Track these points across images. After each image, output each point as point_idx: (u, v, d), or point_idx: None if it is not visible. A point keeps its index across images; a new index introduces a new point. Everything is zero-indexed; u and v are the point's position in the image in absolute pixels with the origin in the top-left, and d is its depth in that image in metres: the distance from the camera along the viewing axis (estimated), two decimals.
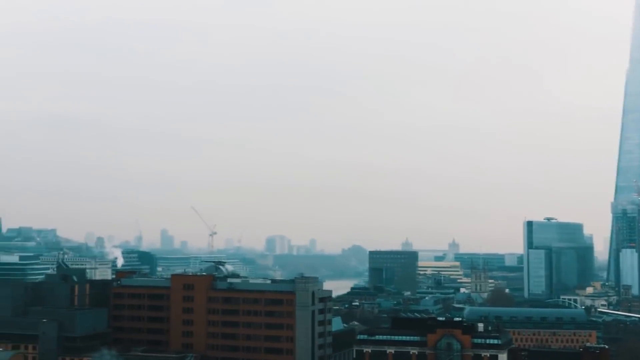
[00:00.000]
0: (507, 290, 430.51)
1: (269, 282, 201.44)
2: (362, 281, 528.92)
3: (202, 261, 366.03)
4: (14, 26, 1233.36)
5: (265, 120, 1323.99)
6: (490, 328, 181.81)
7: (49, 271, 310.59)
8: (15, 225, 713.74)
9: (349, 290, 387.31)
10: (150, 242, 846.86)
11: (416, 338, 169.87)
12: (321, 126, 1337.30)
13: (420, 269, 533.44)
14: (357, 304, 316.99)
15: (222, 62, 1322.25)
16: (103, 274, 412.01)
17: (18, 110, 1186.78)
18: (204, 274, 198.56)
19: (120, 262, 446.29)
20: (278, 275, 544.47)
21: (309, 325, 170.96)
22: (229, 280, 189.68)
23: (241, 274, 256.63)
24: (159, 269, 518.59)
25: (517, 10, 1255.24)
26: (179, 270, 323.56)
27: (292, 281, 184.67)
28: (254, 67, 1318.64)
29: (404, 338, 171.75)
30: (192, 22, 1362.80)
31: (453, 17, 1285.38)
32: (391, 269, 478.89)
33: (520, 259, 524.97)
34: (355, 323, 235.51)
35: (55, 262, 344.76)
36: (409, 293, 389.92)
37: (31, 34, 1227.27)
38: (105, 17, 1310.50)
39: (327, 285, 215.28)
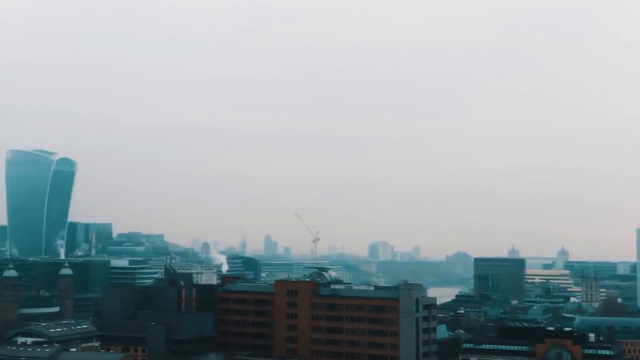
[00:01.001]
0: (619, 300, 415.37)
1: (372, 288, 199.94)
2: (467, 289, 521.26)
3: (306, 267, 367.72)
4: (132, 35, 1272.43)
5: (371, 124, 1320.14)
6: (601, 339, 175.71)
7: (157, 275, 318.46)
8: (125, 231, 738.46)
9: (453, 297, 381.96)
10: (254, 248, 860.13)
11: (524, 348, 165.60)
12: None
13: (527, 276, 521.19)
14: (463, 312, 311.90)
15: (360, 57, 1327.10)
16: (209, 279, 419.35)
17: (131, 115, 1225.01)
18: (308, 280, 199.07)
19: (225, 268, 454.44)
20: (381, 281, 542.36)
21: (413, 333, 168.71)
22: (332, 286, 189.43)
23: (344, 280, 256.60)
24: (263, 274, 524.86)
25: None
26: (282, 276, 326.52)
27: (395, 288, 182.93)
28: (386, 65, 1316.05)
29: (511, 348, 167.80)
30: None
31: None
32: (497, 276, 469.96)
33: (633, 267, 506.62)
34: (461, 331, 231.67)
35: (163, 267, 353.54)
36: (516, 302, 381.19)
37: (148, 43, 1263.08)
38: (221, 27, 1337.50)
39: (431, 292, 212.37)
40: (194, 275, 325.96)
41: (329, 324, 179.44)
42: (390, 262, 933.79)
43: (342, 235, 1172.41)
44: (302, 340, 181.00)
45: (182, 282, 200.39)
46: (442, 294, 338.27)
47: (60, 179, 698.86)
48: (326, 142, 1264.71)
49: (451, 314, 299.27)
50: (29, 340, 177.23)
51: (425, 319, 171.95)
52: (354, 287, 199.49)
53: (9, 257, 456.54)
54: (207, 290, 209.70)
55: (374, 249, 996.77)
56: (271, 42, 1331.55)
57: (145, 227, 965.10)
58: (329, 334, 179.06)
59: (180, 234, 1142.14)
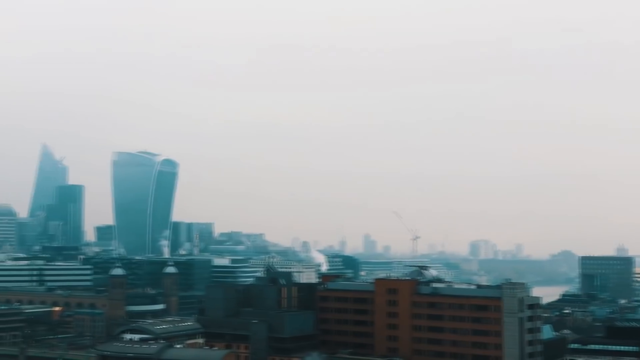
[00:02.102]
0: None
1: (474, 287, 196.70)
2: (572, 288, 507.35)
3: (406, 265, 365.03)
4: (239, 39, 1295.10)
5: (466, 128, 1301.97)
6: None
7: (258, 274, 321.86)
8: (226, 230, 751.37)
9: (559, 297, 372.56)
10: (354, 246, 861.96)
11: (634, 348, 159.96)
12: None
13: (636, 275, 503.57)
14: (568, 311, 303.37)
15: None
16: (308, 277, 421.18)
17: (232, 116, 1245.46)
18: (408, 278, 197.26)
19: (324, 266, 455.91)
20: (483, 280, 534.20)
21: (517, 333, 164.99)
22: (433, 285, 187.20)
23: (445, 279, 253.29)
24: (362, 273, 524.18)
25: None
26: (382, 274, 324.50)
27: (498, 287, 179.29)
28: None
29: (620, 348, 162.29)
30: None
31: None
32: (605, 275, 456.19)
33: None
34: (567, 331, 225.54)
35: (263, 266, 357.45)
36: (624, 301, 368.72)
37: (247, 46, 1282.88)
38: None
39: (535, 291, 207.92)
40: (294, 273, 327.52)
41: (431, 323, 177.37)
42: (492, 260, 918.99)
43: (442, 233, 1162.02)
44: (403, 339, 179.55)
45: (282, 281, 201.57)
46: (547, 294, 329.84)
47: (164, 179, 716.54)
48: (422, 139, 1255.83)
49: (556, 313, 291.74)
50: (136, 336, 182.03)
51: (530, 318, 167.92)
52: (455, 286, 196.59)
53: (116, 256, 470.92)
54: (307, 288, 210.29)
55: (474, 247, 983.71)
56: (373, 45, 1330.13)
57: (245, 226, 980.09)
58: (431, 333, 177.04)
59: (280, 233, 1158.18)
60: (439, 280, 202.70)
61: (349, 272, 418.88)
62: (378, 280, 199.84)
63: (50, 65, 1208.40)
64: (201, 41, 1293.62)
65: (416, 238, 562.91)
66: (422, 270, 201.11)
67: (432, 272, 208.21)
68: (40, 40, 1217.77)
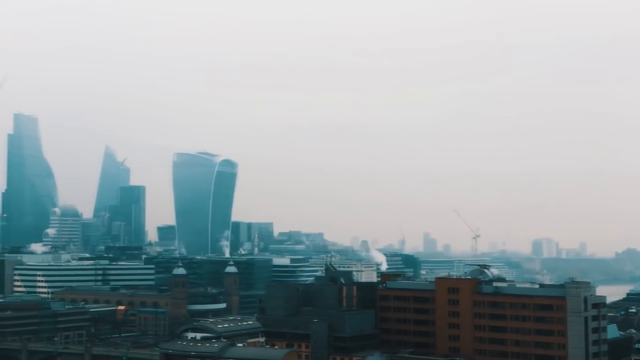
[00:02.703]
0: None
1: (537, 286, 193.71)
2: (638, 287, 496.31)
3: (466, 264, 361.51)
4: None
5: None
6: None
7: (317, 273, 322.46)
8: (286, 230, 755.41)
9: (624, 296, 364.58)
10: (413, 245, 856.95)
11: None
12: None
13: None
14: (634, 310, 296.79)
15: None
16: (368, 276, 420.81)
17: (290, 117, 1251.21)
18: (469, 277, 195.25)
19: (384, 266, 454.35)
20: (546, 279, 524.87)
21: (582, 333, 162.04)
22: (495, 284, 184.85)
23: (507, 278, 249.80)
24: (423, 272, 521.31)
25: None
26: (442, 273, 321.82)
27: (562, 286, 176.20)
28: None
29: None
30: None
31: None
32: None
33: None
34: (633, 331, 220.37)
35: (323, 265, 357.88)
36: None
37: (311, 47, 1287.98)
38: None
39: (600, 290, 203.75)
40: (354, 273, 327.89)
41: (493, 322, 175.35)
42: (555, 259, 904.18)
43: (503, 231, 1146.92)
44: (465, 338, 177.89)
45: (342, 280, 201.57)
46: (612, 293, 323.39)
47: (223, 179, 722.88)
48: (482, 137, 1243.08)
49: (622, 313, 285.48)
50: (198, 335, 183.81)
51: (595, 318, 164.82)
52: (518, 285, 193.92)
53: (177, 255, 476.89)
54: (367, 287, 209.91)
55: (537, 245, 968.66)
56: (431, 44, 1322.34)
57: (305, 225, 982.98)
58: (493, 332, 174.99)
59: (340, 232, 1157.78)
60: (501, 280, 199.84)
61: (409, 271, 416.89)
62: (439, 279, 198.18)
63: (109, 68, 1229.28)
64: (245, 44, 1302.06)
65: (477, 236, 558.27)
66: (484, 269, 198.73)
67: (494, 271, 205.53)
68: (94, 41, 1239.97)
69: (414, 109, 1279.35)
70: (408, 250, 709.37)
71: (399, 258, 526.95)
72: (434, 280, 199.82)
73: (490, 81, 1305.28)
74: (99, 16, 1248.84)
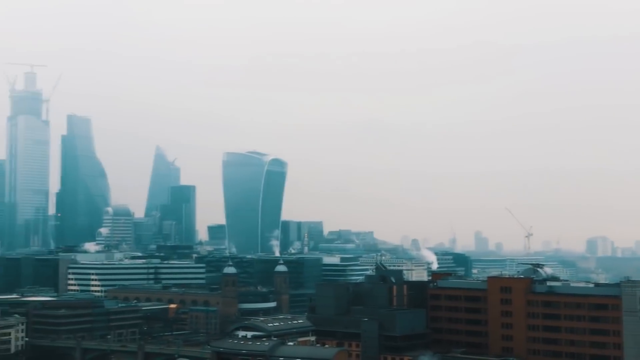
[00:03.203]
0: None
1: (591, 285, 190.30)
2: None
3: (519, 263, 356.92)
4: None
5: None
6: None
7: (368, 272, 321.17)
8: (335, 228, 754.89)
9: None
10: (464, 244, 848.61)
11: None
12: None
13: None
14: None
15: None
16: (419, 275, 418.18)
17: (337, 115, 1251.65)
18: (522, 276, 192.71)
19: (435, 264, 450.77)
20: (601, 278, 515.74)
21: (637, 332, 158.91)
22: (548, 283, 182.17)
23: (561, 277, 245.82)
24: (474, 271, 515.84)
25: None
26: (494, 272, 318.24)
27: (617, 285, 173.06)
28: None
29: None
30: None
31: None
32: None
33: None
34: None
35: (373, 264, 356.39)
36: None
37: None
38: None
39: None
40: (404, 271, 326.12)
41: (546, 322, 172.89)
42: (610, 258, 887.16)
43: (556, 230, 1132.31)
44: (518, 338, 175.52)
45: (393, 279, 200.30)
46: None
47: (273, 179, 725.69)
48: (531, 134, 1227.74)
49: None
50: (249, 334, 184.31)
51: None
52: (572, 285, 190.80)
53: (228, 254, 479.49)
54: (418, 286, 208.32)
55: (591, 244, 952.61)
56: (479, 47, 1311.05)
57: (354, 224, 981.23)
58: (547, 332, 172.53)
59: (389, 231, 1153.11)
60: (555, 279, 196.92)
61: (460, 270, 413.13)
62: (491, 278, 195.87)
63: (155, 73, 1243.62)
64: (295, 45, 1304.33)
65: (529, 235, 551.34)
66: (537, 269, 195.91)
67: (547, 270, 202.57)
68: (134, 46, 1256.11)
69: (447, 109, 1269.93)
70: (459, 249, 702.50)
71: (450, 257, 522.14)
72: (486, 279, 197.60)
73: (533, 74, 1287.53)
74: (140, 24, 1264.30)
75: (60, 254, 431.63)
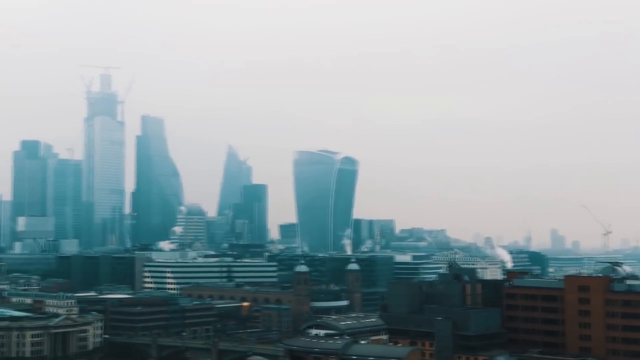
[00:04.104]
0: None
1: None
2: None
3: (597, 262, 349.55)
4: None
5: None
6: None
7: (440, 270, 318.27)
8: (407, 227, 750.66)
9: None
10: (540, 242, 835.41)
11: None
12: None
13: None
14: None
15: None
16: (493, 274, 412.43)
17: (406, 113, 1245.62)
18: (600, 275, 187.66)
19: (510, 263, 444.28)
20: None
21: None
22: (628, 282, 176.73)
23: None
24: (550, 269, 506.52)
25: None
26: (571, 271, 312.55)
27: None
28: None
29: None
30: None
31: None
32: None
33: None
34: None
35: (446, 262, 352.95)
36: None
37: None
38: None
39: None
40: (478, 270, 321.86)
41: (626, 322, 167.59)
42: None
43: (635, 227, 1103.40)
44: (597, 338, 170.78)
45: (466, 277, 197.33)
46: None
47: (344, 177, 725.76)
48: (593, 130, 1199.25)
49: None
50: (322, 332, 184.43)
51: None
52: None
53: (300, 253, 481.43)
54: (492, 285, 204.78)
55: None
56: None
57: (426, 222, 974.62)
58: (627, 332, 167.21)
59: (462, 229, 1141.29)
60: (634, 277, 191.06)
61: (535, 269, 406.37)
62: (568, 277, 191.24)
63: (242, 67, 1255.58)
64: (363, 46, 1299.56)
65: (608, 233, 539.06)
66: (615, 267, 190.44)
67: (626, 269, 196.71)
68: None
69: (522, 104, 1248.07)
70: (534, 247, 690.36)
71: (525, 255, 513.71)
72: (562, 278, 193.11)
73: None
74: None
75: (136, 252, 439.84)
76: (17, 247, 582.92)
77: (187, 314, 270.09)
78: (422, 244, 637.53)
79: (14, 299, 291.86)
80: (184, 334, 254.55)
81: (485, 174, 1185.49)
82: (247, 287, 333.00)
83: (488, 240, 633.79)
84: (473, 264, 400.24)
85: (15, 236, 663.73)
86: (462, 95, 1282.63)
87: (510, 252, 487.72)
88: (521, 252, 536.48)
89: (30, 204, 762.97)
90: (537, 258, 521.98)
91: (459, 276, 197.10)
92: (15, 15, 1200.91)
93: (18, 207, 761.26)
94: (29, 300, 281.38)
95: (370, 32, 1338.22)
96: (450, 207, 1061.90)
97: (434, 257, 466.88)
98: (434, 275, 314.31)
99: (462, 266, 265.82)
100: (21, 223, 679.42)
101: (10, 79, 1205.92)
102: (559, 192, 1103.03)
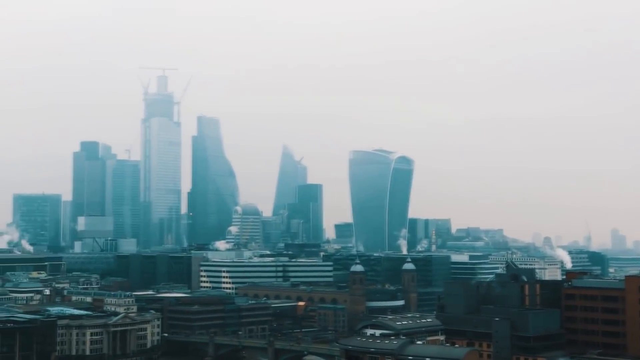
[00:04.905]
0: None
1: None
2: None
3: None
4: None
5: None
6: None
7: (498, 270, 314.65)
8: (464, 226, 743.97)
9: None
10: (600, 242, 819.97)
11: None
12: None
13: None
14: None
15: None
16: (552, 274, 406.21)
17: (461, 112, 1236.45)
18: None
19: (568, 263, 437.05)
20: None
21: None
22: None
23: None
24: (611, 270, 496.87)
25: None
26: (633, 271, 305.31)
27: None
28: None
29: None
30: None
31: None
32: None
33: None
34: None
35: (503, 262, 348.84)
36: None
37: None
38: None
39: None
40: (537, 270, 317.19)
41: None
42: None
43: None
44: None
45: (524, 278, 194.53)
46: None
47: (399, 176, 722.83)
48: None
49: None
50: (377, 332, 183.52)
51: None
52: None
53: (355, 252, 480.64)
54: (551, 285, 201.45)
55: None
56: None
57: (483, 222, 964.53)
58: None
59: (520, 229, 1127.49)
60: None
61: (595, 269, 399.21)
62: (629, 277, 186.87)
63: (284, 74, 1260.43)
64: (418, 50, 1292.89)
65: None
66: None
67: None
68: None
69: (578, 103, 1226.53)
70: (594, 247, 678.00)
71: (585, 255, 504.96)
72: (623, 278, 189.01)
73: None
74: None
75: (192, 251, 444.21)
76: (77, 247, 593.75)
77: (243, 313, 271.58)
78: (479, 243, 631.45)
79: (74, 298, 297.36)
80: (240, 333, 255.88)
81: (542, 174, 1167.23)
82: (302, 287, 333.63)
83: (547, 240, 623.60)
84: (531, 264, 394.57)
85: (76, 236, 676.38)
86: (520, 94, 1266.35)
87: (570, 252, 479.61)
88: (581, 252, 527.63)
89: (89, 204, 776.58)
90: (597, 258, 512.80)
91: (517, 276, 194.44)
92: (79, 22, 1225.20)
93: (78, 207, 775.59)
94: (88, 299, 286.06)
95: (416, 39, 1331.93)
96: (508, 207, 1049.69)
97: (490, 257, 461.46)
98: (491, 276, 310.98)
99: (520, 266, 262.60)
100: (81, 223, 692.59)
101: (71, 83, 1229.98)
102: (618, 192, 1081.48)
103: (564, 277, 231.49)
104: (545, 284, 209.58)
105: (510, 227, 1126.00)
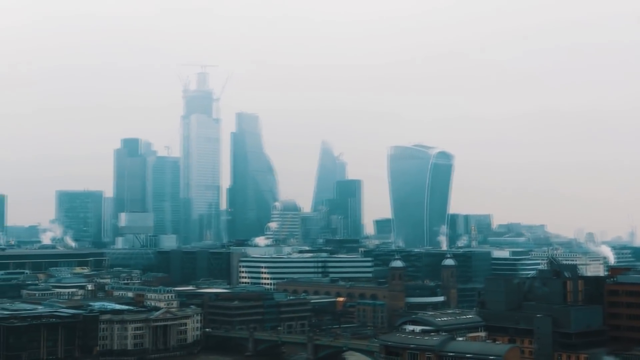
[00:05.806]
0: None
1: None
2: None
3: None
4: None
5: None
6: None
7: (539, 266, 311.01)
8: (505, 222, 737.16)
9: None
10: None
11: None
12: None
13: None
14: None
15: None
16: (595, 270, 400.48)
17: (503, 106, 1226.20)
18: None
19: (612, 259, 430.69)
20: None
21: None
22: None
23: None
24: None
25: None
26: None
27: None
28: None
29: None
30: None
31: None
32: None
33: None
34: None
35: (545, 258, 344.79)
36: None
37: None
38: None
39: None
40: (579, 266, 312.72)
41: None
42: None
43: None
44: None
45: (567, 274, 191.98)
46: None
47: (439, 172, 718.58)
48: None
49: None
50: (417, 328, 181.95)
51: None
52: None
53: (395, 248, 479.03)
54: (594, 282, 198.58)
55: None
56: None
57: (524, 217, 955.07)
58: None
59: (562, 224, 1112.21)
60: None
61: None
62: None
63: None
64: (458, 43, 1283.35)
65: None
66: None
67: None
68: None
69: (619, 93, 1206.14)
70: (639, 242, 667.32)
71: (628, 251, 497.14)
72: None
73: None
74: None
75: (232, 247, 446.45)
76: (119, 242, 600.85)
77: (283, 309, 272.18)
78: (520, 239, 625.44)
79: (116, 293, 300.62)
80: (280, 328, 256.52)
81: (584, 167, 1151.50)
82: (342, 283, 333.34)
83: (589, 235, 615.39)
84: (573, 260, 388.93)
85: (117, 231, 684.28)
86: (562, 86, 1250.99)
87: (613, 248, 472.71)
88: (624, 247, 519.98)
89: (131, 200, 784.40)
90: None
91: (559, 272, 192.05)
92: (121, 22, 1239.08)
93: (119, 203, 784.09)
94: (130, 294, 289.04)
95: (453, 32, 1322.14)
96: (550, 202, 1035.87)
97: (532, 252, 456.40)
98: (533, 272, 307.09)
99: (562, 262, 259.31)
100: (122, 219, 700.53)
101: (113, 82, 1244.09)
102: None
103: (608, 273, 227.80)
104: (588, 280, 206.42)
105: (552, 222, 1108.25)
